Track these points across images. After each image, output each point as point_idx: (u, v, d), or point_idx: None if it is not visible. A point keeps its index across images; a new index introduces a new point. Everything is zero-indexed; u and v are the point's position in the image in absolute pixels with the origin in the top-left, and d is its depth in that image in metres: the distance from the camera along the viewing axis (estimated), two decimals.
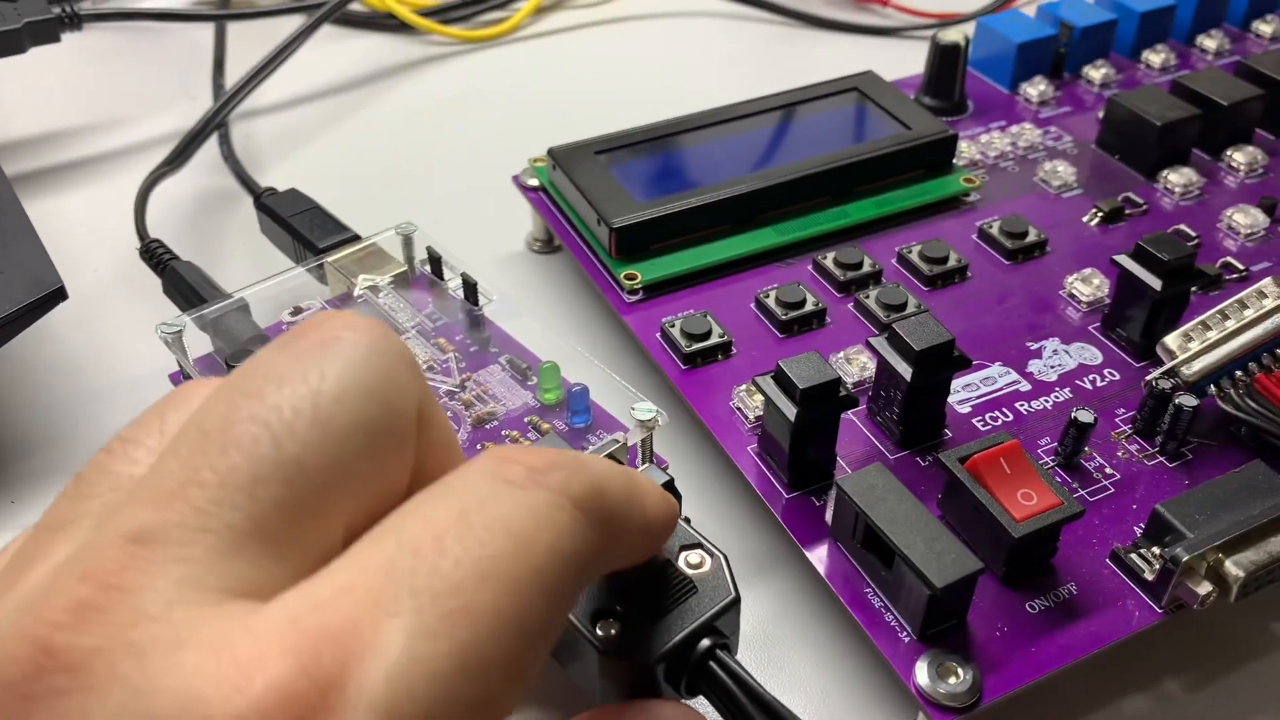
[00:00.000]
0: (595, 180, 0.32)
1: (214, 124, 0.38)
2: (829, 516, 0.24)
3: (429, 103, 0.45)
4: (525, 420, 0.26)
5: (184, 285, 0.28)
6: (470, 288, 0.28)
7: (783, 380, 0.24)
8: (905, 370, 0.24)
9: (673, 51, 0.49)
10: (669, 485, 0.23)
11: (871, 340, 0.25)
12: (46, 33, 0.38)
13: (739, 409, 0.27)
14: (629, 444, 0.24)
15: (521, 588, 0.13)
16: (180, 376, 0.27)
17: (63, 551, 0.13)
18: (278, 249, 0.32)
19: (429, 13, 0.49)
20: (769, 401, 0.24)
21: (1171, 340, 0.26)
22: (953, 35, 0.37)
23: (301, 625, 0.12)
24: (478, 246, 0.35)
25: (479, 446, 0.25)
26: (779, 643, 0.24)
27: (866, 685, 0.23)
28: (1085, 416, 0.24)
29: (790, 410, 0.23)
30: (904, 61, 0.47)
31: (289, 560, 0.13)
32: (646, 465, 0.24)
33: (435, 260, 0.29)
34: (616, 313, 0.30)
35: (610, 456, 0.24)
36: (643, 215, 0.30)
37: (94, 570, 0.12)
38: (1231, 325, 0.25)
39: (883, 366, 0.25)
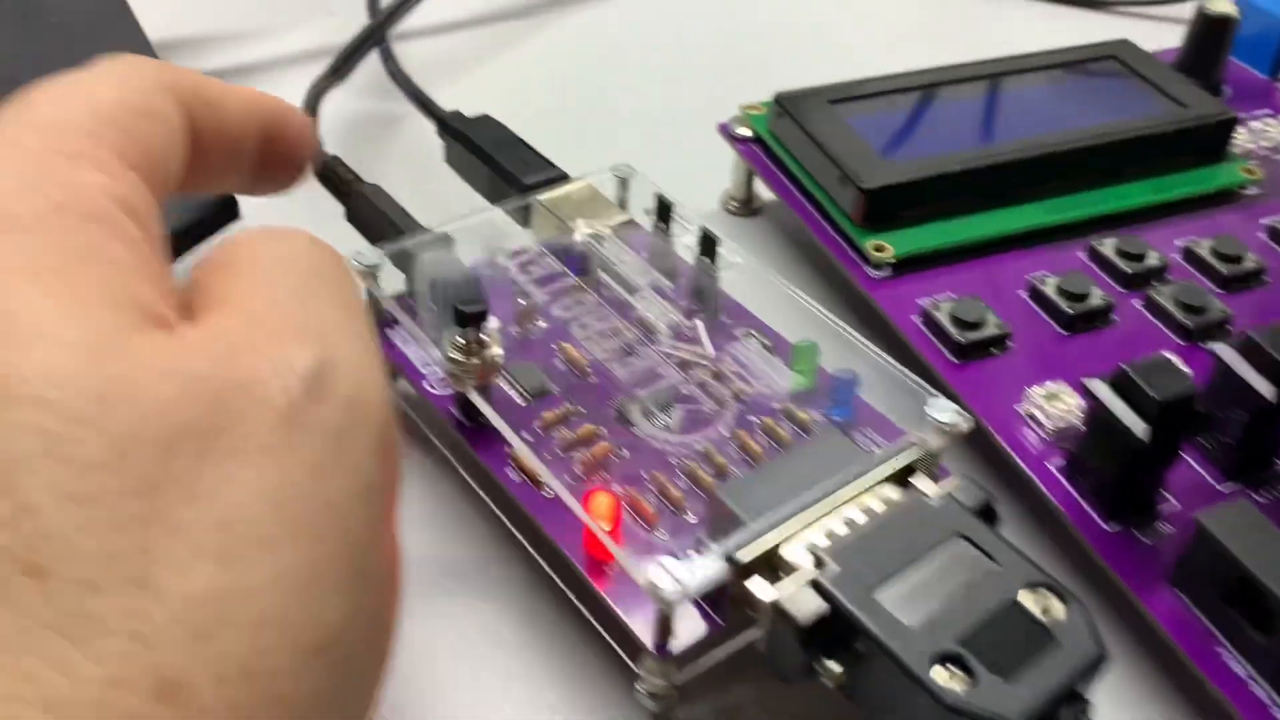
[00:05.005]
0: (834, 134, 0.27)
1: (375, 37, 0.33)
2: (1165, 556, 0.20)
3: (596, 40, 0.40)
4: (776, 406, 0.22)
5: (375, 213, 0.24)
6: (709, 244, 0.24)
7: (1128, 388, 0.20)
8: (1266, 388, 0.20)
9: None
10: (989, 508, 0.19)
11: (1214, 346, 0.21)
12: None
13: (1032, 415, 0.22)
14: (928, 449, 0.20)
15: None
16: None
17: None
18: (465, 181, 0.28)
19: None
20: (1102, 413, 0.20)
21: None
22: (1222, 5, 0.33)
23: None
24: None
25: (730, 433, 0.21)
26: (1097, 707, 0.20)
27: None
28: None
29: (1139, 428, 0.19)
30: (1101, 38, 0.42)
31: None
32: (958, 481, 0.19)
33: (664, 209, 0.25)
34: (859, 288, 0.26)
35: (908, 468, 0.19)
36: (898, 178, 0.26)
37: None
38: None
39: (1226, 378, 0.21)
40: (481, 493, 0.22)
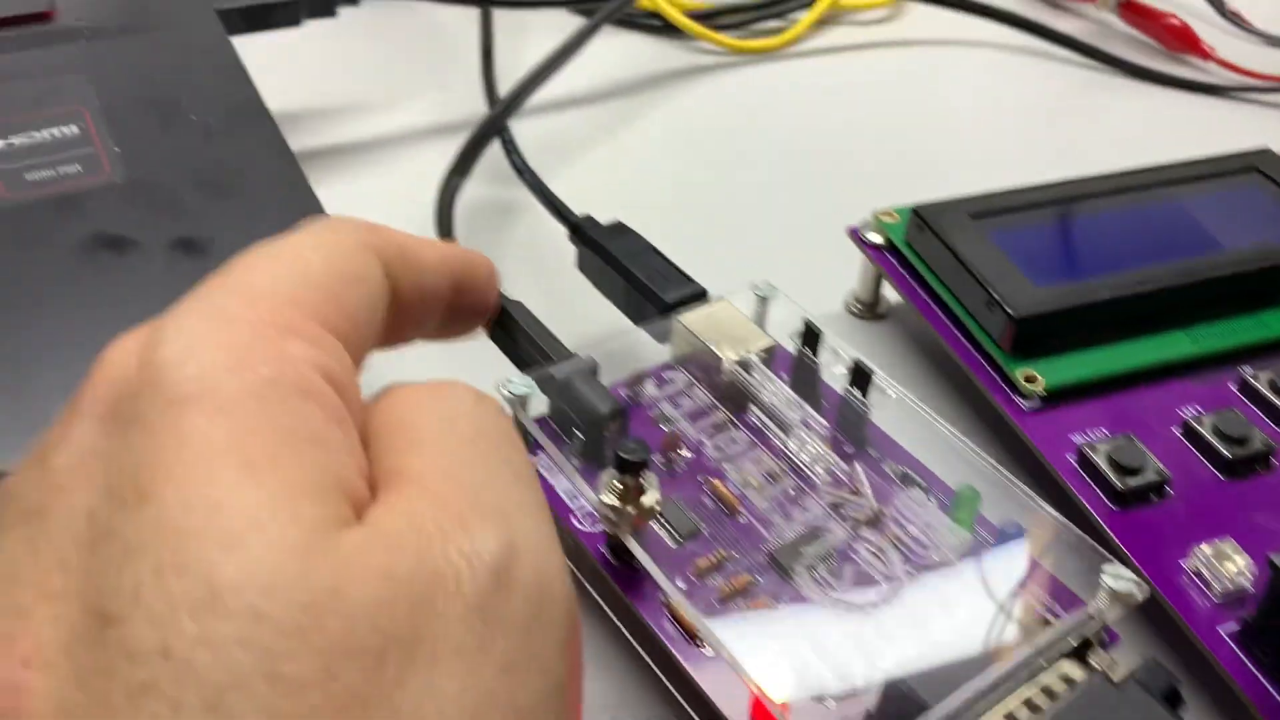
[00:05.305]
0: (979, 253, 0.27)
1: (496, 127, 0.33)
2: None
3: (700, 120, 0.40)
4: (936, 559, 0.21)
5: (519, 333, 0.23)
6: (863, 376, 0.23)
7: None
8: None
9: (960, 83, 0.44)
10: (1174, 692, 0.18)
11: None
12: (324, 6, 0.34)
13: (1199, 572, 0.22)
14: (1105, 622, 0.19)
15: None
16: None
17: None
18: (597, 288, 0.27)
19: (698, 16, 0.44)
20: None
21: None
22: None
23: None
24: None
25: (885, 581, 0.20)
26: None
27: None
28: None
29: None
30: (1230, 128, 0.41)
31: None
32: (1138, 660, 0.19)
33: (812, 335, 0.24)
34: (1008, 417, 0.25)
35: (1086, 644, 0.19)
36: (1050, 305, 0.25)
37: None
38: None
39: None
40: (630, 636, 0.21)
